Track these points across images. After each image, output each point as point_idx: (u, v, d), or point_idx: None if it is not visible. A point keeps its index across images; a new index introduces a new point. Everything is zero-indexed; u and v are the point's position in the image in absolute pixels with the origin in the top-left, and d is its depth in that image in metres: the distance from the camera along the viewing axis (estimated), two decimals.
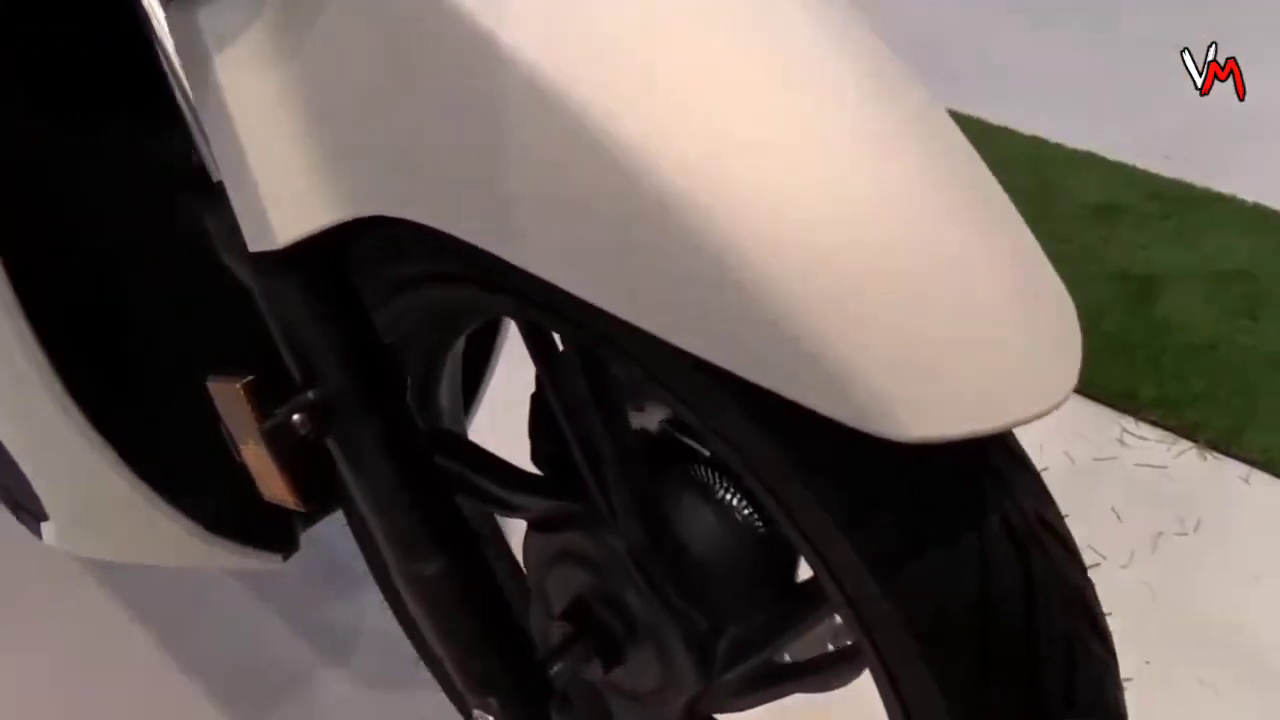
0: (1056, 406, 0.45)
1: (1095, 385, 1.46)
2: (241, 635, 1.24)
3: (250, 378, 0.58)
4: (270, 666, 1.21)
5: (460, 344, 0.83)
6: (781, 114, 0.44)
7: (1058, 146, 1.91)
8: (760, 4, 0.47)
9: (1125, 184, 1.82)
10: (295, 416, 0.59)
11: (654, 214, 0.43)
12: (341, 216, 0.52)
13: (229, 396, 0.59)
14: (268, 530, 0.94)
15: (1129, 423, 1.43)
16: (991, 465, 0.51)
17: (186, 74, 0.53)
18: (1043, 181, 1.83)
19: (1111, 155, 1.88)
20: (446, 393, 0.87)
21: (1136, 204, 1.77)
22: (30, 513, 0.89)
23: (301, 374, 0.61)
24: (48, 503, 0.85)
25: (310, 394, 0.60)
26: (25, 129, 0.67)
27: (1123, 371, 1.48)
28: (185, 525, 0.86)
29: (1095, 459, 1.38)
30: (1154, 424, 1.42)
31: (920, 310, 0.43)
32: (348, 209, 0.52)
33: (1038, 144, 1.92)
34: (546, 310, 0.57)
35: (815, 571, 0.54)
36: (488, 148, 0.46)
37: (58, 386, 0.73)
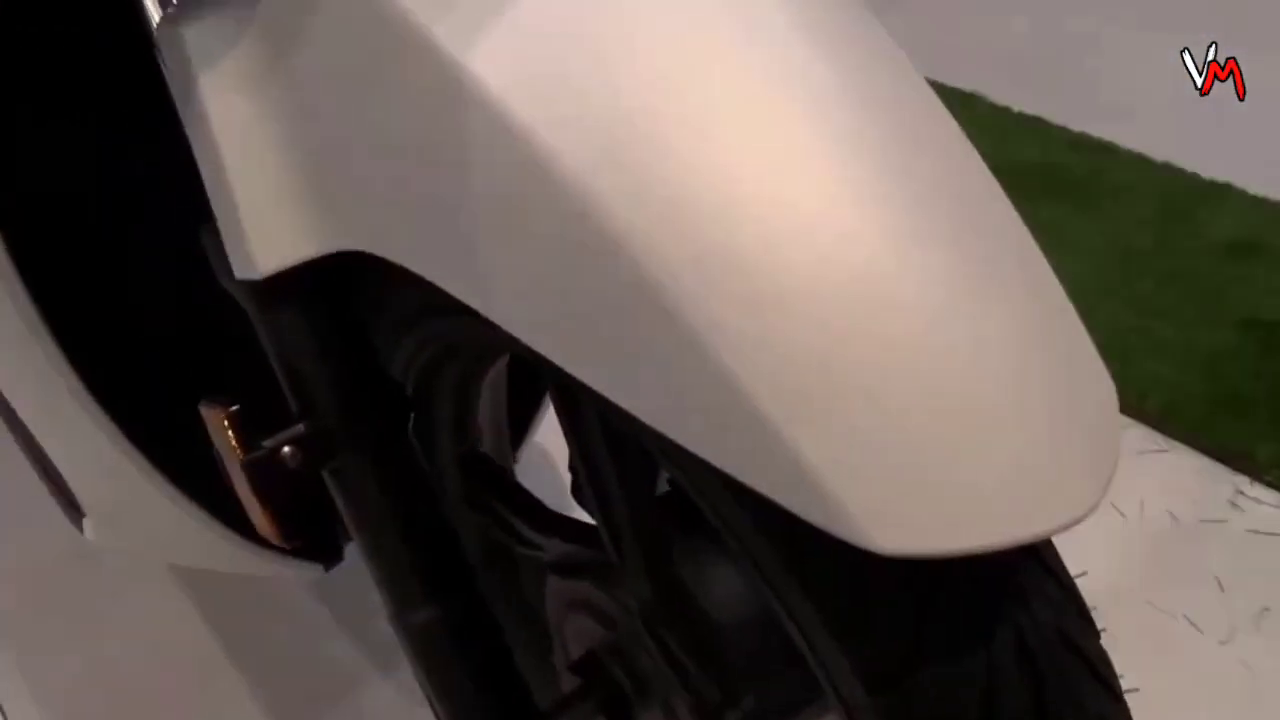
0: (1068, 526, 0.39)
1: (1210, 439, 1.35)
2: (295, 635, 1.24)
3: (235, 407, 0.56)
4: (321, 669, 1.21)
5: (499, 370, 0.80)
6: (770, 175, 0.39)
7: (1193, 176, 1.79)
8: (755, 29, 0.42)
9: (1265, 220, 1.69)
10: (285, 449, 0.57)
11: (619, 279, 0.39)
12: (321, 250, 0.50)
13: (215, 423, 0.57)
14: (310, 540, 0.92)
15: (1244, 483, 1.32)
16: (1007, 573, 0.45)
17: (176, 90, 0.51)
18: (1171, 214, 1.72)
19: (1252, 188, 1.75)
20: (487, 416, 0.84)
21: (1275, 242, 1.64)
22: (73, 506, 0.89)
23: (297, 404, 0.58)
24: (83, 501, 0.85)
25: (302, 426, 0.57)
26: (54, 146, 0.66)
27: (1241, 426, 1.36)
28: (221, 531, 0.85)
29: (1202, 521, 1.28)
30: (1271, 486, 1.31)
31: (905, 402, 0.38)
32: (326, 242, 0.49)
33: (1170, 172, 1.80)
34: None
35: (810, 666, 0.49)
36: (454, 190, 0.42)
37: (85, 396, 0.72)
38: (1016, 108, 1.99)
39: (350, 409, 0.58)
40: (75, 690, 1.20)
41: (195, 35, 0.49)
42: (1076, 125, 1.92)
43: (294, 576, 0.96)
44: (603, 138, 0.40)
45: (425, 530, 0.61)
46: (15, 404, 0.76)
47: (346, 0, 0.45)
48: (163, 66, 0.52)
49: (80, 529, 0.91)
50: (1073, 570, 0.48)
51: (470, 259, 0.43)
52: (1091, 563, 1.18)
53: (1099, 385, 0.43)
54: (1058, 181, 1.81)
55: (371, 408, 0.59)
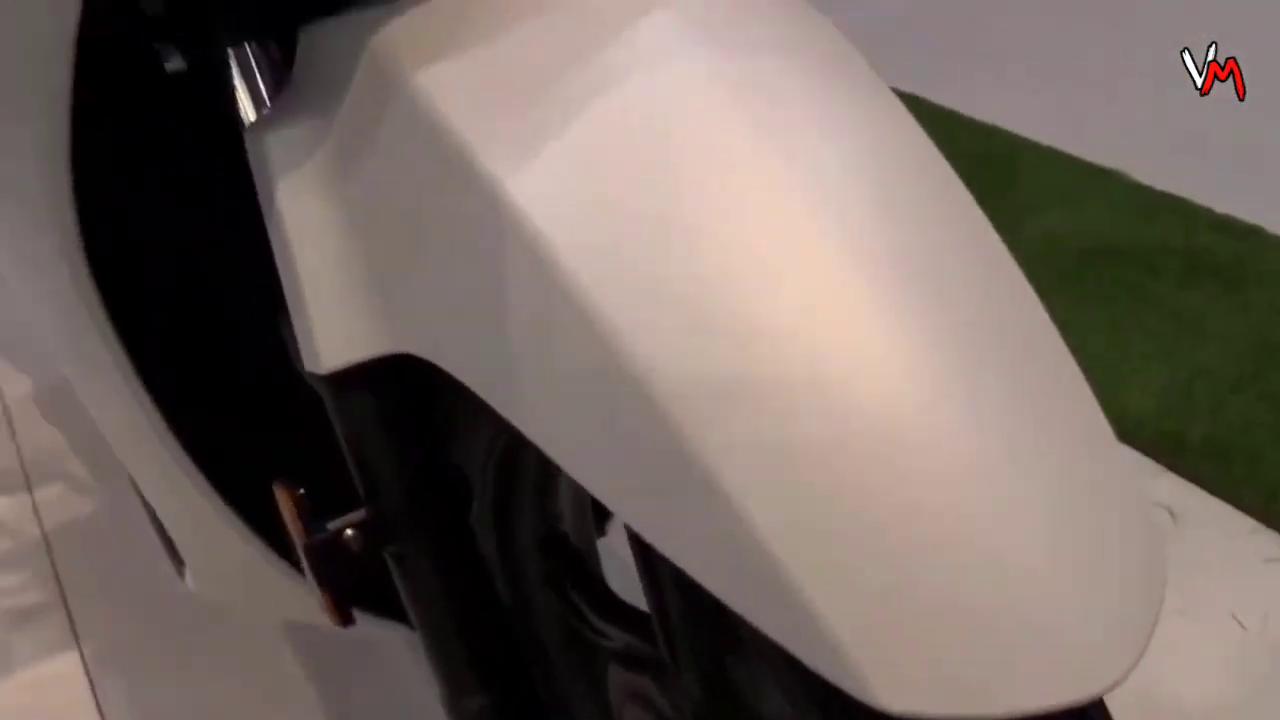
0: (1092, 697, 0.37)
1: None
2: (381, 677, 1.26)
3: (301, 490, 0.58)
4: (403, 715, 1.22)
5: None
6: (813, 342, 0.39)
7: None
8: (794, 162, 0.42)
9: None
10: (348, 531, 0.59)
11: (651, 430, 0.40)
12: (378, 352, 0.52)
13: (284, 503, 0.59)
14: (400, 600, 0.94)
15: None
16: None
17: (260, 190, 0.54)
18: None
19: None
20: (567, 498, 0.85)
21: None
22: (176, 556, 0.93)
23: (363, 488, 0.60)
24: (183, 553, 0.89)
25: (365, 510, 0.59)
26: (172, 231, 0.70)
27: None
28: (312, 590, 0.88)
29: None
30: None
31: (925, 561, 0.37)
32: (384, 345, 0.51)
33: None
34: None
35: None
36: (493, 314, 0.44)
37: (184, 458, 0.76)
38: (1159, 186, 1.92)
39: (413, 496, 0.59)
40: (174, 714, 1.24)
41: (278, 141, 0.52)
42: (1222, 207, 1.85)
43: (383, 635, 0.97)
44: (643, 290, 0.40)
45: (481, 618, 0.62)
46: (123, 460, 0.80)
47: (406, 118, 0.47)
48: (251, 166, 0.54)
49: (182, 577, 0.95)
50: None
51: (508, 382, 0.44)
52: (1205, 677, 1.12)
53: (1144, 539, 0.41)
54: (1199, 265, 1.74)
55: (434, 496, 0.60)
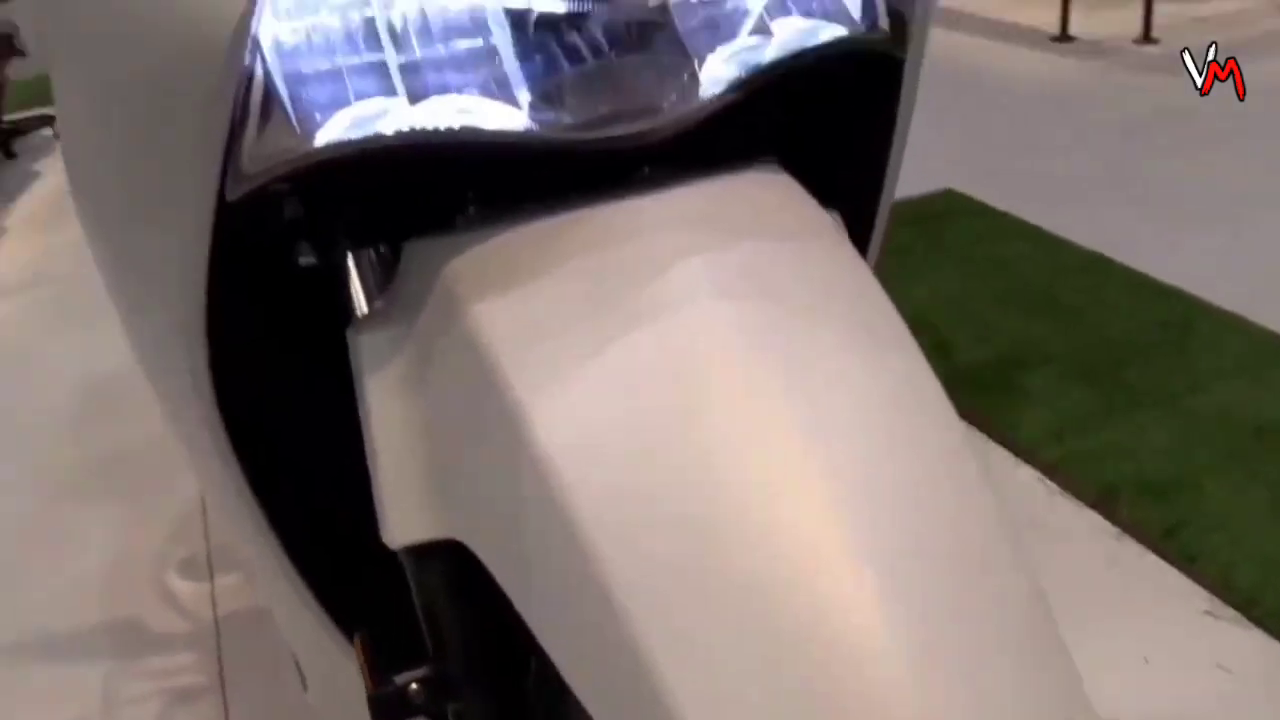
0: None
1: None
2: None
3: (372, 645, 0.64)
4: None
5: None
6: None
7: None
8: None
9: None
10: (413, 686, 0.65)
11: (635, 673, 0.44)
12: (432, 536, 0.58)
13: (359, 655, 0.65)
14: None
15: None
16: None
17: (356, 383, 0.61)
18: None
19: None
20: None
21: None
22: (300, 673, 1.01)
23: (431, 646, 0.66)
24: (305, 672, 0.96)
25: (428, 667, 0.65)
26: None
27: None
28: None
29: None
30: None
31: None
32: (437, 531, 0.58)
33: None
34: None
35: None
36: (510, 520, 0.49)
37: (309, 598, 0.83)
38: None
39: (477, 661, 0.65)
40: None
41: (370, 342, 0.60)
42: None
43: None
44: (641, 539, 0.45)
45: None
46: (258, 593, 0.89)
47: (461, 339, 0.54)
48: (350, 361, 0.62)
49: (305, 691, 1.03)
50: None
51: (525, 591, 0.50)
52: None
53: None
54: None
55: (497, 661, 0.65)
